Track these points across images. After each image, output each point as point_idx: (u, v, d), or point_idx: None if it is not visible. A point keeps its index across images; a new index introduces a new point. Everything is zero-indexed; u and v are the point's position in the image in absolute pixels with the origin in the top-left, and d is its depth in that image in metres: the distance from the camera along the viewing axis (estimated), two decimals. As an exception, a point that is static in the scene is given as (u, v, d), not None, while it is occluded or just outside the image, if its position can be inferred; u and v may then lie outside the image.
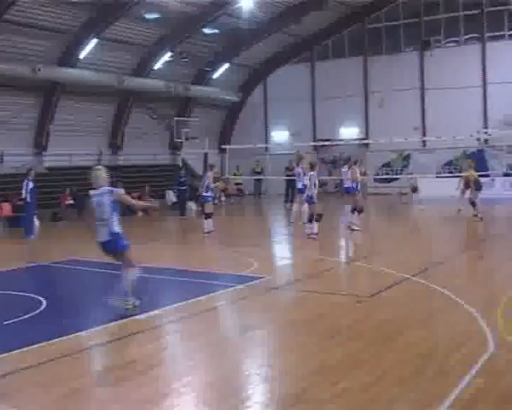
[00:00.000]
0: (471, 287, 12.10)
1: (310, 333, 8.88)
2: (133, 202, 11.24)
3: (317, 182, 18.28)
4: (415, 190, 31.32)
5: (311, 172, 18.39)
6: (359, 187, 21.08)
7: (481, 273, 13.87)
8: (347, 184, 21.01)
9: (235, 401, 6.36)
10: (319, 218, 18.11)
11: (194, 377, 7.19)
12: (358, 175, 20.81)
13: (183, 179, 29.57)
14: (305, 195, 18.84)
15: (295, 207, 22.47)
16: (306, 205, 18.94)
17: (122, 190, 11.55)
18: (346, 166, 21.86)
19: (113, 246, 9.96)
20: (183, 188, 29.82)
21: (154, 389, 6.72)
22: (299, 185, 21.40)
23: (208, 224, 20.59)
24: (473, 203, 23.09)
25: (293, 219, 22.17)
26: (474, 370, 6.96)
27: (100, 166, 10.48)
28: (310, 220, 18.20)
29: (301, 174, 21.24)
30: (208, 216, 20.62)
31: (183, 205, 29.44)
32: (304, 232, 18.77)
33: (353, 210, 20.53)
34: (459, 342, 8.10)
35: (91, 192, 9.97)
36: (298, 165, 22.29)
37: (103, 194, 9.86)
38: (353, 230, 20.01)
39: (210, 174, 21.07)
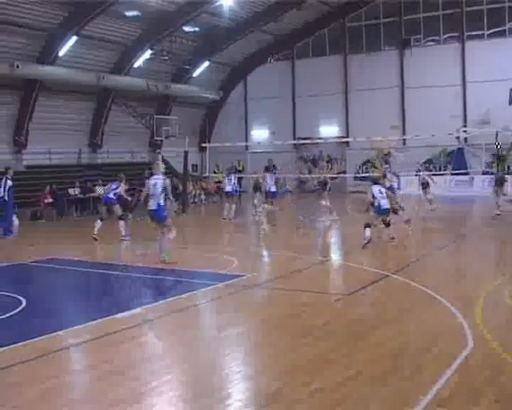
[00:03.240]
0: (449, 284, 12.18)
1: (285, 332, 8.90)
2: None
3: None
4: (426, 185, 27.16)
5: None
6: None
7: (459, 270, 13.99)
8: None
9: (210, 401, 6.35)
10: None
11: (172, 375, 7.17)
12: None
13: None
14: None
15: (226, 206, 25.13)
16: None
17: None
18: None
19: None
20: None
21: (131, 389, 6.69)
22: (228, 189, 25.55)
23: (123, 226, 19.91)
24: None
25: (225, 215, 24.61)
26: (450, 366, 7.00)
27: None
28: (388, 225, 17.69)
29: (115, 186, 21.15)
30: (122, 218, 20.17)
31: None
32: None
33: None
34: (437, 338, 8.17)
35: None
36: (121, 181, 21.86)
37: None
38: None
39: (123, 185, 20.65)
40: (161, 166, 14.72)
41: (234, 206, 25.53)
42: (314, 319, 9.53)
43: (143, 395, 6.52)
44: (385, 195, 17.29)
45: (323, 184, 24.63)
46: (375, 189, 17.38)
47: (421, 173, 26.16)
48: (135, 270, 14.46)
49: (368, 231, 16.73)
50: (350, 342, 8.26)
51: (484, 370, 7.01)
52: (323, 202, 24.06)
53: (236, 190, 26.24)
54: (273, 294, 11.74)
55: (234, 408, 6.27)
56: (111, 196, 20.03)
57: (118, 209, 20.07)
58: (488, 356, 7.46)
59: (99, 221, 19.86)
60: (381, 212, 17.18)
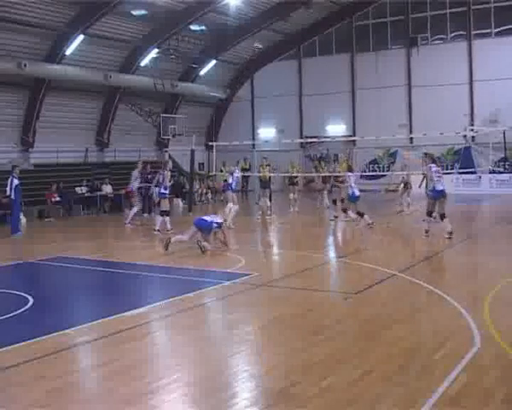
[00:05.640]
0: (457, 283, 12.14)
1: (295, 330, 8.89)
2: None
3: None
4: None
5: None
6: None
7: (468, 269, 13.92)
8: None
9: (218, 400, 6.34)
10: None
11: (179, 374, 7.16)
12: None
13: None
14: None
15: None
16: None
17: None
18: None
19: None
20: None
21: (140, 387, 6.69)
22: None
23: (164, 222, 20.10)
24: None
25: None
26: (459, 366, 6.98)
27: None
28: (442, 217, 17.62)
29: (161, 178, 20.90)
30: (166, 214, 20.21)
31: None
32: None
33: None
34: (445, 337, 8.13)
35: None
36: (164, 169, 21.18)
37: None
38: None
39: (167, 172, 20.63)
40: (219, 218, 16.40)
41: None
42: (324, 318, 9.52)
43: (152, 394, 6.51)
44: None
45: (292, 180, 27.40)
46: (353, 178, 17.74)
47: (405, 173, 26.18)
48: (141, 268, 14.46)
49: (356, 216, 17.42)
50: (361, 342, 8.24)
51: (493, 370, 6.98)
52: (291, 196, 27.04)
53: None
54: (282, 292, 11.69)
55: (244, 405, 6.25)
56: (165, 190, 20.25)
57: (166, 204, 20.17)
58: (497, 356, 7.43)
59: (161, 218, 20.10)
60: (355, 199, 17.81)
